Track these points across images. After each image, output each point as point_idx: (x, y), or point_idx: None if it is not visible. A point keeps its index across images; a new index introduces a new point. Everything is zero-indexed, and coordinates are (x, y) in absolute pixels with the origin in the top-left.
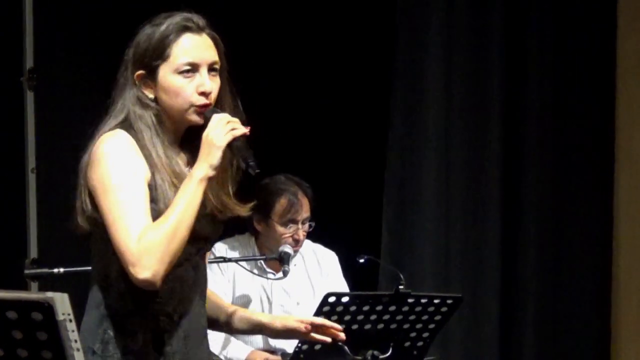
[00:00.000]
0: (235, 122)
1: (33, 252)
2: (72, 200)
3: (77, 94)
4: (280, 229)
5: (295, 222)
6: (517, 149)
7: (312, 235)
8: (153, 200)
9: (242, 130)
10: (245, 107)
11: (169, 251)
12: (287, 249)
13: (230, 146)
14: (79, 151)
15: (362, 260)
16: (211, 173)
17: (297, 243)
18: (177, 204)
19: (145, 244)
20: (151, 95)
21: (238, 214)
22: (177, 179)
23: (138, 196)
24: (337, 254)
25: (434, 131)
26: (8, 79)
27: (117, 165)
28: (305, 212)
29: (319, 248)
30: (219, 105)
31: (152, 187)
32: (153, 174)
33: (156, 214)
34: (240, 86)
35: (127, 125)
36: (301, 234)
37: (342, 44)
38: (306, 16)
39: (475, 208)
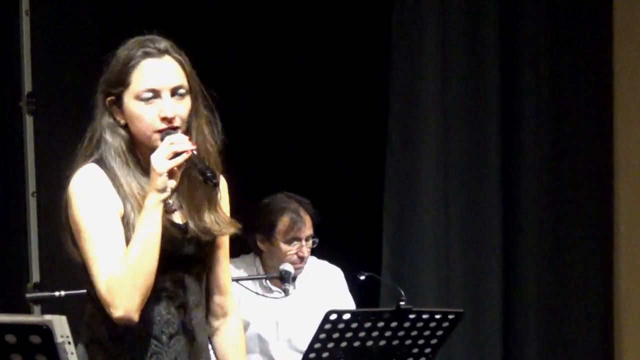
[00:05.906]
0: (180, 142)
1: (35, 276)
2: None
3: (76, 117)
4: (284, 247)
5: (298, 239)
6: (515, 162)
7: (316, 252)
8: (128, 229)
9: (182, 157)
10: (244, 123)
11: (137, 285)
12: (288, 267)
13: (187, 162)
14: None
15: (362, 277)
16: (162, 197)
17: (301, 260)
18: (136, 238)
19: (111, 283)
20: (122, 121)
21: (226, 234)
22: None
23: (108, 234)
24: None
25: (432, 147)
26: (7, 104)
27: (86, 205)
28: (308, 229)
29: (324, 265)
30: (192, 128)
31: (125, 217)
32: (124, 205)
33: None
34: (239, 102)
35: (98, 155)
36: (305, 250)
37: (335, 64)
38: (302, 24)
39: (475, 224)
